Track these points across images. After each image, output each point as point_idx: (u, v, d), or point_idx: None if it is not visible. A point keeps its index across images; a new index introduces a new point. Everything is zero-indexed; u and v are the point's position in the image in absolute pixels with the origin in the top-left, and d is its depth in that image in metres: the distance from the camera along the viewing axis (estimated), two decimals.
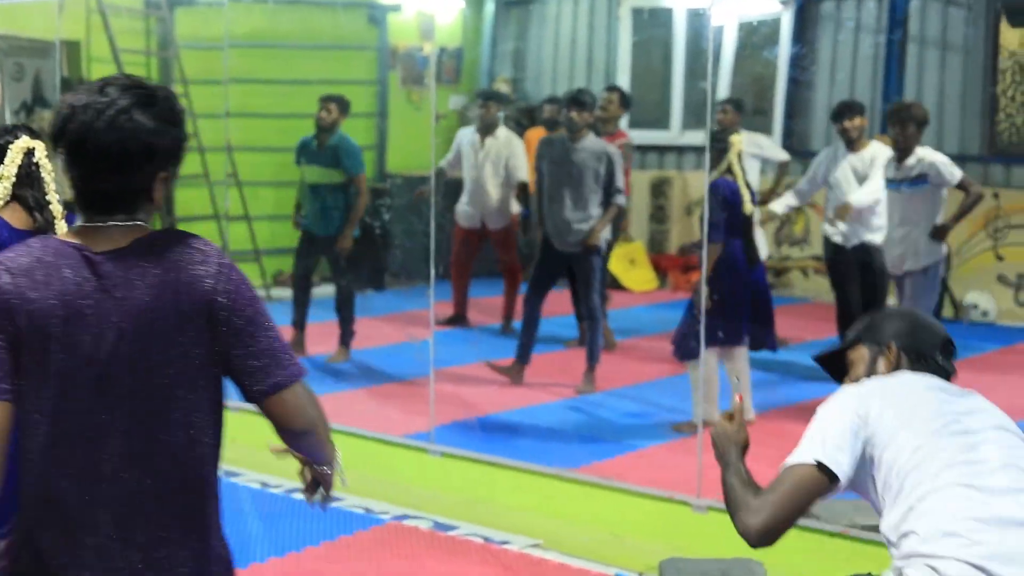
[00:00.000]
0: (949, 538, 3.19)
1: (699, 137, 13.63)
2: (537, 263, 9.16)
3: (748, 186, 8.07)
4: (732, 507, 3.58)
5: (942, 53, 12.95)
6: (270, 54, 13.57)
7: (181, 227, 12.37)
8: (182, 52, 13.29)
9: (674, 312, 9.17)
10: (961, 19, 12.82)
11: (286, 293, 13.28)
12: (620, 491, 6.47)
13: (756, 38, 13.99)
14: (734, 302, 7.88)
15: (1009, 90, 12.63)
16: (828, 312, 12.50)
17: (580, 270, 9.00)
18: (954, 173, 8.24)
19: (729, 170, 7.94)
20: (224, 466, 7.13)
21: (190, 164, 12.85)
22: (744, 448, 3.78)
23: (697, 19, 13.36)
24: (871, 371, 3.74)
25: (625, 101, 10.55)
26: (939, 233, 8.24)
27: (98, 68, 13.06)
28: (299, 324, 10.09)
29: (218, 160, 13.25)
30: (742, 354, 8.07)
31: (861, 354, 3.79)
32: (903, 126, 8.29)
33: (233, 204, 13.28)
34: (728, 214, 7.81)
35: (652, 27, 14.70)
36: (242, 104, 13.29)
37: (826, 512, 5.96)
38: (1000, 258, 12.37)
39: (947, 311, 12.29)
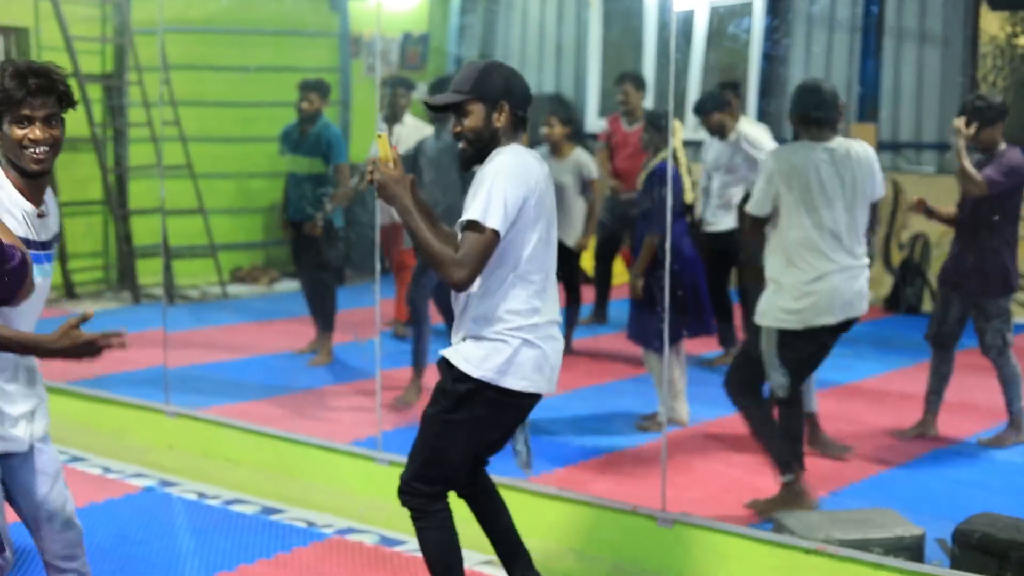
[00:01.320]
0: None
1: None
2: None
3: (691, 172, 7.78)
4: (434, 261, 4.31)
5: (920, 38, 12.54)
6: (228, 40, 13.10)
7: (135, 221, 12.29)
8: (139, 39, 12.78)
9: None
10: (939, 2, 12.41)
11: (243, 290, 12.91)
12: (579, 503, 6.02)
13: (728, 24, 13.56)
14: (678, 294, 7.38)
15: (990, 76, 12.22)
16: None
17: None
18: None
19: (674, 156, 7.48)
20: (160, 475, 6.81)
21: (143, 155, 12.48)
22: (412, 187, 4.42)
23: (668, 5, 12.92)
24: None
25: (639, 85, 10.25)
26: None
27: (48, 56, 12.50)
28: (327, 325, 9.49)
29: (175, 150, 12.84)
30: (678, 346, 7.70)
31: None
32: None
33: (188, 197, 12.86)
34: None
35: (623, 14, 14.27)
36: (198, 92, 12.86)
37: (801, 526, 5.54)
38: None
39: (926, 305, 11.88)
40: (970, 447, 7.43)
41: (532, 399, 4.58)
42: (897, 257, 12.28)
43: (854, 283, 6.11)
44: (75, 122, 11.92)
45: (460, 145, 4.52)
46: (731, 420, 7.61)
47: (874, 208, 6.34)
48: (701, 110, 9.13)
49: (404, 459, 6.17)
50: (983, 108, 7.01)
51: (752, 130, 9.37)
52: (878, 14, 12.63)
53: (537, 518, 5.92)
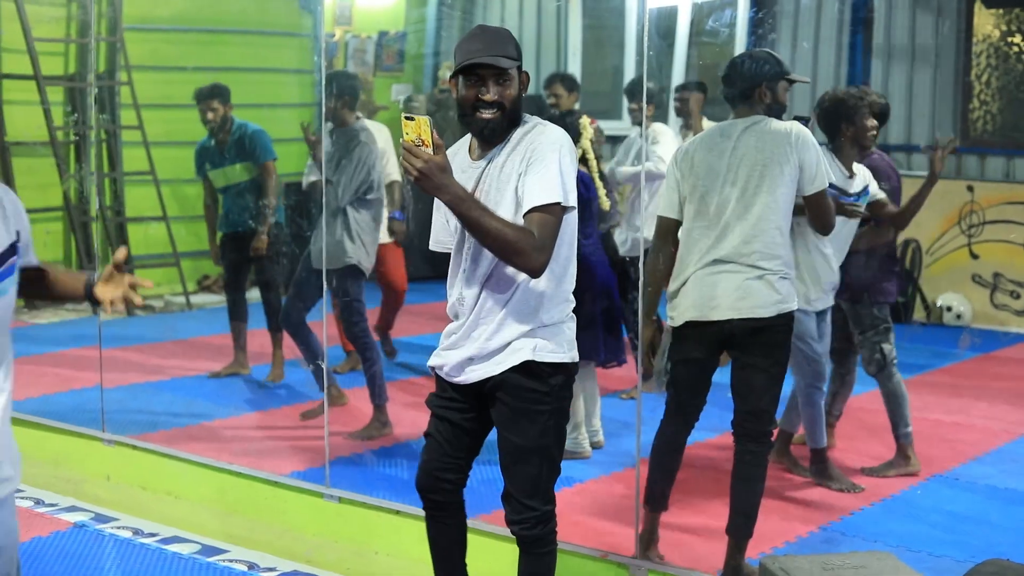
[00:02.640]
0: None
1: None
2: None
3: (604, 177, 7.17)
4: (509, 249, 3.93)
5: (911, 37, 12.09)
6: (195, 39, 12.59)
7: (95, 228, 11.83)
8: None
9: None
10: None
11: (209, 299, 12.40)
12: None
13: (710, 19, 13.09)
14: (588, 311, 6.80)
15: (984, 75, 11.77)
16: None
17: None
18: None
19: (583, 158, 7.02)
20: (96, 509, 6.29)
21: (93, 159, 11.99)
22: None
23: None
24: None
25: (571, 86, 9.29)
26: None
27: (10, 60, 12.11)
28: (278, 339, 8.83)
29: (135, 155, 12.38)
30: (590, 371, 7.16)
31: None
32: None
33: (150, 203, 12.40)
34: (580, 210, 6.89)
35: (603, 11, 13.81)
36: (164, 94, 12.37)
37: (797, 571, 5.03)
38: (975, 256, 11.50)
39: (919, 313, 11.45)
40: (967, 475, 6.96)
41: None
42: None
43: (730, 283, 5.18)
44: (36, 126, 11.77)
45: (487, 115, 4.10)
46: (714, 443, 7.17)
47: (813, 203, 5.37)
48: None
49: (353, 495, 5.77)
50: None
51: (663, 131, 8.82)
52: (867, 9, 12.19)
53: (492, 567, 5.40)
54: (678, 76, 12.77)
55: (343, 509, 6.02)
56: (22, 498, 6.69)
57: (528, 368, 4.15)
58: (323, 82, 7.07)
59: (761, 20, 12.44)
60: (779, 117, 5.31)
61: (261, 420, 7.93)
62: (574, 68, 13.76)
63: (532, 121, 4.20)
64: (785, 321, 5.24)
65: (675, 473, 5.51)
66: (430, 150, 3.86)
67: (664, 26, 12.69)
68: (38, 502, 6.65)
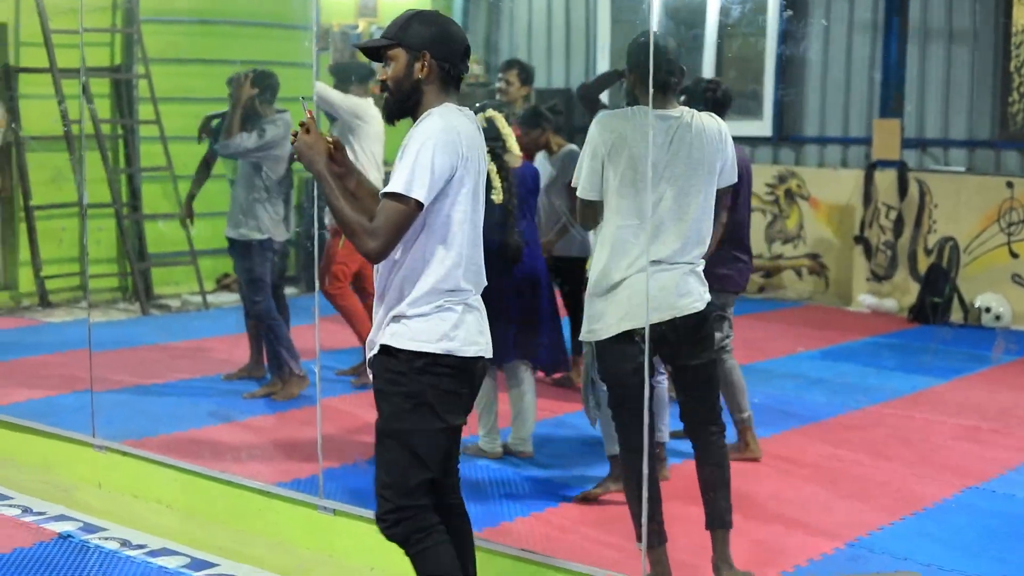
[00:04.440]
0: None
1: None
2: None
3: (502, 171, 6.74)
4: (346, 229, 4.06)
5: (948, 29, 11.70)
6: (203, 31, 12.31)
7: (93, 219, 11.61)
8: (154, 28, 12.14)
9: None
10: None
11: (228, 299, 12.11)
12: (546, 568, 5.18)
13: (742, 15, 12.75)
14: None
15: None
16: (825, 317, 11.39)
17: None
18: None
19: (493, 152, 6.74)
20: (85, 517, 6.00)
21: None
22: (328, 156, 4.16)
23: None
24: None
25: (526, 78, 8.80)
26: None
27: (28, 53, 11.88)
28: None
29: (153, 151, 12.14)
30: (524, 375, 6.97)
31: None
32: None
33: (168, 199, 12.15)
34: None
35: (632, 5, 13.46)
36: (182, 87, 12.10)
37: None
38: (1015, 255, 11.11)
39: (956, 314, 11.05)
40: (1005, 487, 6.59)
41: (481, 364, 4.27)
42: (924, 263, 11.46)
43: (668, 282, 4.94)
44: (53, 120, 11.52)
45: (384, 95, 4.20)
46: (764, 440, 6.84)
47: (722, 196, 5.27)
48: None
49: (347, 508, 5.44)
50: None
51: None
52: (901, 9, 11.83)
53: None
54: (708, 68, 12.44)
55: (337, 522, 5.70)
56: (10, 506, 6.43)
57: (388, 350, 4.17)
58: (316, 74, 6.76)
59: (792, 3, 12.10)
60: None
61: (255, 426, 7.62)
62: (603, 63, 13.46)
63: (430, 112, 4.12)
64: (712, 311, 5.18)
65: (659, 497, 5.14)
66: (308, 129, 4.18)
67: (690, 17, 12.37)
68: (26, 510, 6.35)
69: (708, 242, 5.10)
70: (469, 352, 4.17)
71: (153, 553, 5.78)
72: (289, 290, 9.40)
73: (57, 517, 6.25)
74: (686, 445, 6.80)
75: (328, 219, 8.08)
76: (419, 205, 4.00)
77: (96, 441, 6.81)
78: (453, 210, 4.11)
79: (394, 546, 5.39)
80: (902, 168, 11.66)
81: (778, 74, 12.57)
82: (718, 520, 5.19)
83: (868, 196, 11.89)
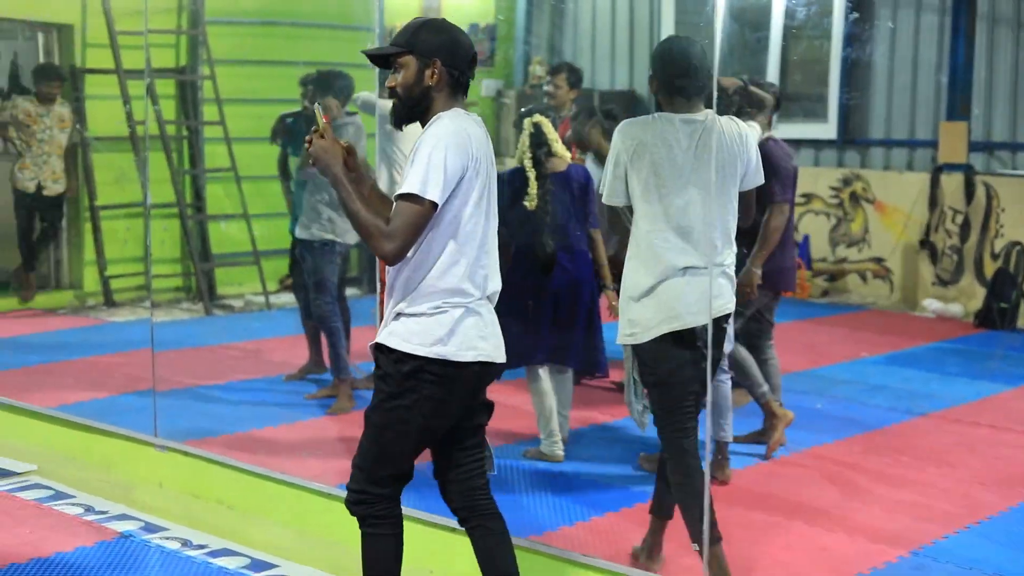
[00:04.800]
0: None
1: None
2: None
3: (541, 178, 6.77)
4: (363, 232, 4.14)
5: (1016, 30, 11.56)
6: (267, 32, 12.34)
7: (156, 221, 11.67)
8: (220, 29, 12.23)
9: None
10: None
11: (290, 299, 12.10)
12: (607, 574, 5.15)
13: (807, 17, 12.65)
14: (521, 313, 6.77)
15: None
16: (889, 322, 11.27)
17: None
18: None
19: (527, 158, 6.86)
20: (146, 517, 6.02)
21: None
22: (343, 160, 4.24)
23: None
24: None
25: (575, 81, 8.72)
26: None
27: (94, 55, 11.97)
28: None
29: (217, 152, 12.19)
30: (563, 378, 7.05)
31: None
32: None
33: (232, 200, 12.20)
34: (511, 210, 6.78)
35: (696, 4, 13.40)
36: (247, 89, 12.15)
37: None
38: None
39: (1023, 320, 10.91)
40: None
41: (483, 369, 4.32)
42: (990, 268, 11.33)
43: (703, 286, 4.97)
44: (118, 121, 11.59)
45: (392, 101, 4.32)
46: (803, 457, 6.79)
47: (745, 198, 5.22)
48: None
49: (407, 511, 5.42)
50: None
51: None
52: (969, 6, 11.70)
53: None
54: (773, 68, 12.36)
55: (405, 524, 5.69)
56: (73, 504, 6.46)
57: (383, 348, 4.28)
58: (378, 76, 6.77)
59: (858, 12, 12.00)
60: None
61: (316, 427, 7.62)
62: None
63: (440, 115, 4.24)
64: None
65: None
66: (323, 134, 4.27)
67: (755, 19, 12.30)
68: (88, 509, 6.39)
69: (732, 244, 5.10)
70: (464, 357, 4.23)
71: (214, 553, 5.79)
72: (350, 291, 9.42)
73: (118, 516, 6.28)
74: (749, 449, 6.83)
75: None
76: (433, 206, 4.09)
77: (158, 441, 6.84)
78: (461, 211, 4.19)
79: (452, 547, 5.44)
80: (969, 171, 11.53)
81: (843, 76, 12.46)
82: (661, 510, 5.30)
83: (934, 200, 11.76)
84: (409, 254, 4.18)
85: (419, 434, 4.31)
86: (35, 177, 11.28)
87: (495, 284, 4.37)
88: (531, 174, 6.73)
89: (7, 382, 8.28)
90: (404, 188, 4.08)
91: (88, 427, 7.25)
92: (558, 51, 14.55)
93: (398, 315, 4.25)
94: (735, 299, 5.14)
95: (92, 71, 11.96)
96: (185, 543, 5.92)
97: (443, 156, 4.09)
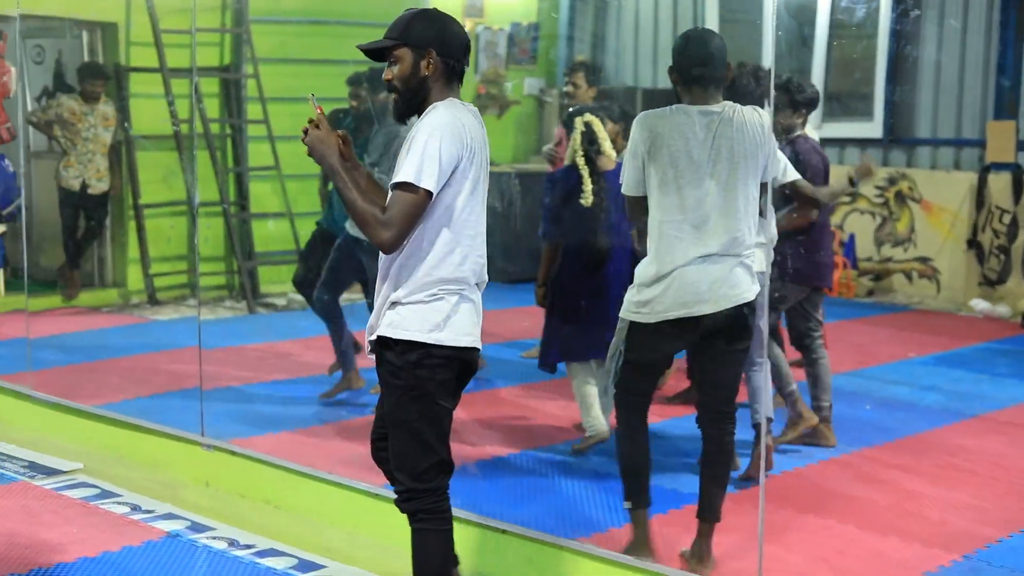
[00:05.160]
0: None
1: None
2: None
3: (594, 175, 6.78)
4: (359, 221, 4.19)
5: None
6: (311, 31, 12.32)
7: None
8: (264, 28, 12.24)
9: None
10: None
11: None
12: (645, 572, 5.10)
13: (853, 14, 12.55)
14: (574, 310, 6.89)
15: None
16: (936, 322, 11.17)
17: None
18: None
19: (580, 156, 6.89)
20: (192, 516, 6.01)
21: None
22: (339, 150, 4.25)
23: None
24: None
25: (593, 79, 8.62)
26: None
27: (138, 53, 11.98)
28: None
29: (261, 150, 12.18)
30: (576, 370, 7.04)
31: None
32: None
33: (276, 198, 12.20)
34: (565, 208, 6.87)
35: (740, 1, 13.31)
36: (291, 87, 12.13)
37: None
38: None
39: None
40: None
41: (474, 354, 4.43)
42: None
43: (719, 275, 5.00)
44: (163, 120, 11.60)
45: (391, 96, 4.35)
46: (851, 459, 6.72)
47: (766, 190, 5.23)
48: None
49: (458, 512, 5.39)
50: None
51: None
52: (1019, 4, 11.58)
53: None
54: (819, 65, 12.26)
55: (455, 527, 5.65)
56: (120, 503, 6.45)
57: (386, 342, 4.33)
58: None
59: (905, 2, 11.88)
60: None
61: (362, 426, 7.56)
62: None
63: (435, 104, 4.29)
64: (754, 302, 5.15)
65: (649, 463, 5.37)
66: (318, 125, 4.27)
67: (802, 14, 12.21)
68: (135, 508, 6.38)
69: (753, 238, 5.09)
70: (462, 342, 4.32)
71: (261, 553, 5.77)
72: None
73: (165, 516, 6.27)
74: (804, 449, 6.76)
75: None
76: (428, 194, 4.16)
77: (204, 440, 6.82)
78: (455, 201, 4.25)
79: (503, 549, 5.40)
80: (1017, 171, 11.42)
81: (889, 74, 12.35)
82: (710, 512, 5.25)
83: (981, 199, 11.65)
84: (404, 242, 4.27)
85: (443, 418, 4.38)
86: (80, 175, 11.30)
87: (486, 273, 4.45)
88: (584, 172, 6.74)
89: (53, 380, 8.28)
90: (399, 177, 4.15)
91: (135, 426, 7.24)
92: (602, 49, 14.49)
93: (393, 304, 4.31)
94: (754, 291, 5.09)
95: (136, 69, 11.97)
96: (232, 543, 5.90)
97: (438, 145, 4.15)
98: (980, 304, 11.52)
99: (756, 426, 6.41)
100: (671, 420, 7.28)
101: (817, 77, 12.24)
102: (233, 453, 6.68)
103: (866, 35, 12.44)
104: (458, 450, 4.61)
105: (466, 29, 13.03)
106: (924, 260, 12.11)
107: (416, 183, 4.12)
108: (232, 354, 9.37)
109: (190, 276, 12.30)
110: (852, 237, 12.35)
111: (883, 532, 5.80)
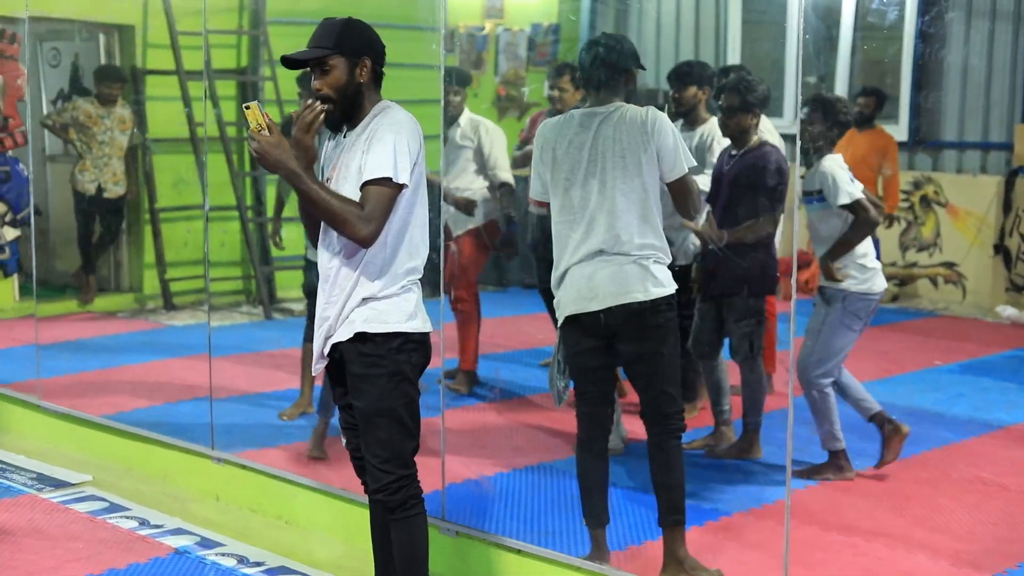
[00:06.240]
0: None
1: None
2: None
3: None
4: (337, 219, 4.23)
5: None
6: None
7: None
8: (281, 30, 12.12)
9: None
10: None
11: None
12: None
13: (878, 15, 12.38)
14: None
15: None
16: (962, 329, 10.99)
17: None
18: (848, 192, 6.43)
19: None
20: (202, 531, 5.87)
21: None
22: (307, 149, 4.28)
23: None
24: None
25: (577, 81, 7.82)
26: (826, 271, 6.61)
27: (155, 56, 11.86)
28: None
29: None
30: None
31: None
32: (811, 122, 6.57)
33: (292, 203, 12.06)
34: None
35: (763, 3, 13.16)
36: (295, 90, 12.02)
37: None
38: None
39: None
40: None
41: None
42: None
43: (606, 273, 5.06)
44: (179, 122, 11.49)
45: (319, 105, 4.36)
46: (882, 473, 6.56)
47: (676, 188, 5.14)
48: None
49: (471, 531, 5.27)
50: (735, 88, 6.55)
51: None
52: None
53: None
54: (843, 65, 12.10)
55: (460, 543, 5.51)
56: (128, 517, 6.33)
57: (362, 336, 4.39)
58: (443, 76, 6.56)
59: (931, 3, 11.70)
60: (633, 102, 5.19)
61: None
62: (733, 62, 13.12)
63: (384, 105, 4.44)
64: (666, 304, 5.10)
65: (607, 485, 5.31)
66: (265, 131, 4.22)
67: (827, 16, 12.04)
68: (143, 522, 6.25)
69: (651, 239, 5.08)
70: (428, 328, 4.52)
71: (271, 572, 5.64)
72: None
73: (174, 530, 6.14)
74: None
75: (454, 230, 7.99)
76: (400, 189, 4.31)
77: (215, 453, 6.69)
78: (414, 196, 4.41)
79: (520, 570, 5.25)
80: None
81: (915, 76, 12.17)
82: (668, 518, 5.17)
83: (1008, 203, 11.47)
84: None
85: (417, 402, 4.51)
86: (95, 179, 11.19)
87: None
88: None
89: (64, 388, 8.17)
90: (375, 173, 4.25)
91: (144, 437, 7.12)
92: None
93: (365, 300, 4.38)
94: (650, 292, 5.06)
95: (153, 72, 11.86)
96: (241, 560, 5.77)
97: (405, 141, 4.30)
98: (1007, 310, 11.32)
99: (874, 417, 6.60)
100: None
101: (842, 79, 12.08)
102: (243, 467, 6.55)
103: (892, 37, 12.26)
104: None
105: (486, 30, 12.96)
106: (950, 265, 11.93)
107: (393, 178, 4.26)
108: (246, 361, 9.24)
109: (205, 282, 12.16)
110: (876, 242, 12.13)
111: (911, 549, 5.64)
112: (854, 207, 6.42)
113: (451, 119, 8.12)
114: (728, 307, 6.70)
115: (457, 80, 8.46)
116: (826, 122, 6.55)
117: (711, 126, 7.13)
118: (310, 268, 7.34)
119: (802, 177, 6.65)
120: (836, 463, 6.57)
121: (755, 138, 6.58)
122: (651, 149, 5.03)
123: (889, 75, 12.39)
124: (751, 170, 6.50)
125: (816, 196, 6.48)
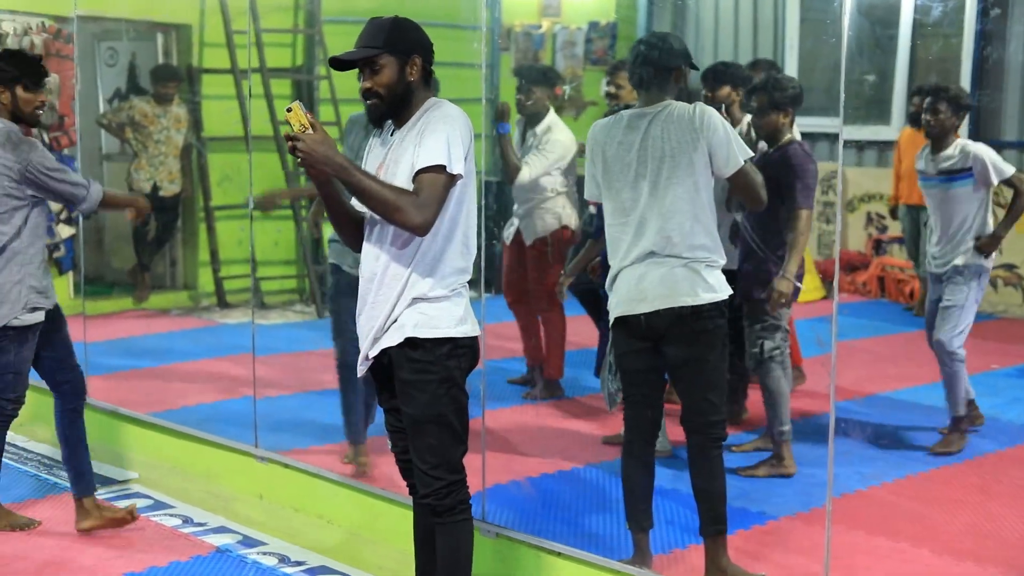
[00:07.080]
0: None
1: (865, 130, 12.12)
2: None
3: None
4: (390, 206, 4.12)
5: None
6: None
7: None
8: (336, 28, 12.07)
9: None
10: None
11: None
12: None
13: (938, 14, 12.23)
14: None
15: None
16: (1021, 332, 10.85)
17: None
18: (1003, 169, 6.91)
19: None
20: (245, 530, 5.86)
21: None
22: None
23: None
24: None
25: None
26: (987, 246, 6.93)
27: (211, 55, 11.90)
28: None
29: None
30: None
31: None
32: (935, 110, 7.00)
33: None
34: None
35: (822, 3, 13.03)
36: (356, 89, 11.99)
37: None
38: None
39: None
40: None
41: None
42: None
43: (656, 275, 5.00)
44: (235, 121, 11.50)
45: (370, 102, 4.37)
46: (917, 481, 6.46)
47: (738, 181, 5.12)
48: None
49: (510, 532, 5.23)
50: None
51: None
52: None
53: None
54: (902, 65, 11.97)
55: (500, 545, 5.47)
56: (172, 515, 6.33)
57: (411, 341, 4.31)
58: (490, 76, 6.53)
59: (992, 2, 11.55)
60: (687, 100, 5.09)
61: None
62: (791, 62, 13.01)
63: (433, 101, 4.39)
64: (715, 310, 5.01)
65: (651, 490, 5.24)
66: (309, 129, 4.15)
67: (884, 16, 11.92)
68: (187, 520, 6.26)
69: (704, 240, 5.01)
70: (476, 332, 4.46)
71: (312, 571, 5.62)
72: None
73: (217, 529, 6.14)
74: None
75: (507, 231, 7.91)
76: (454, 180, 4.25)
77: (258, 452, 6.69)
78: (464, 191, 4.35)
79: (559, 573, 5.20)
80: None
81: (975, 76, 12.00)
82: (710, 528, 5.10)
83: None
84: (407, 237, 4.28)
85: (466, 407, 4.47)
86: (151, 178, 11.22)
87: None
88: None
89: (117, 386, 8.20)
90: (429, 160, 4.19)
91: (190, 436, 7.13)
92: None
93: (415, 300, 4.32)
94: (702, 297, 4.99)
95: (209, 71, 11.89)
96: (283, 559, 5.76)
97: (458, 135, 4.24)
98: None
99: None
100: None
101: (900, 78, 11.95)
102: (287, 466, 6.54)
103: (951, 35, 12.12)
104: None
105: (543, 28, 12.81)
106: (1009, 267, 11.75)
107: (448, 167, 4.20)
108: (295, 360, 9.25)
109: (252, 281, 12.18)
110: None
111: (959, 556, 5.55)
112: (1013, 180, 6.82)
113: (535, 117, 8.01)
114: (745, 312, 6.58)
115: (545, 79, 8.30)
116: (951, 107, 6.89)
117: (745, 126, 7.05)
118: (335, 272, 7.23)
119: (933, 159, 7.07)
120: (970, 414, 7.00)
121: (787, 136, 6.49)
122: (701, 145, 4.95)
123: (949, 75, 12.23)
124: (775, 167, 6.37)
125: (959, 175, 6.91)
